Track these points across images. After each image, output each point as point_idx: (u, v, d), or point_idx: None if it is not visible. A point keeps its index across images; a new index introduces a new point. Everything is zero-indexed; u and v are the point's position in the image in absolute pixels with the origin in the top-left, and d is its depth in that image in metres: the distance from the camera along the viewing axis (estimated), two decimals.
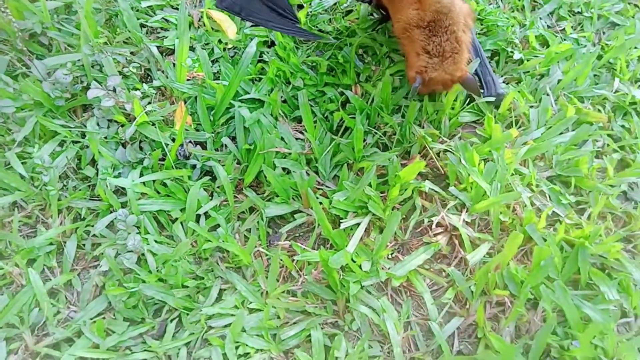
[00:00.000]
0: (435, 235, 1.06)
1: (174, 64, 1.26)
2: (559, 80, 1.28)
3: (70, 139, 1.15)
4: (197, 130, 1.18)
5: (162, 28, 1.37)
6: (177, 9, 1.41)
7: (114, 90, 1.14)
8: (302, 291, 1.00)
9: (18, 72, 1.23)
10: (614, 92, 1.29)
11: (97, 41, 1.24)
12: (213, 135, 1.17)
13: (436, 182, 1.12)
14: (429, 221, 1.07)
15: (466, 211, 1.08)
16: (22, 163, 1.11)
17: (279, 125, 1.16)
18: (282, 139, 1.14)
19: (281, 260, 1.02)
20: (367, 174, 1.05)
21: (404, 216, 1.09)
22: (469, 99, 1.23)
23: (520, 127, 1.21)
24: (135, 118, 1.12)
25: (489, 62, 1.30)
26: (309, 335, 0.95)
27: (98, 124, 1.17)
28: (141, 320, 0.98)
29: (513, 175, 1.12)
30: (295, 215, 1.09)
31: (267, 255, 1.05)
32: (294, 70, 1.26)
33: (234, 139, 1.17)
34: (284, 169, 1.10)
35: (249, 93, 1.22)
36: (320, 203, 1.06)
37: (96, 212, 1.09)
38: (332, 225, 1.04)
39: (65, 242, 1.05)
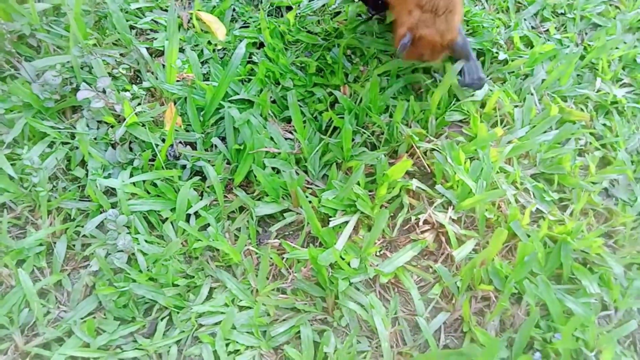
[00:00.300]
0: (422, 232, 1.08)
1: (163, 65, 1.27)
2: (543, 80, 1.31)
3: (60, 140, 1.16)
4: (187, 131, 1.19)
5: (151, 30, 1.38)
6: (166, 10, 1.42)
7: (104, 91, 1.15)
8: (292, 288, 1.02)
9: (7, 74, 1.23)
10: (596, 92, 1.32)
11: (86, 43, 1.24)
12: (203, 135, 1.18)
13: (423, 181, 1.14)
14: (416, 219, 1.09)
15: (452, 209, 1.10)
16: (12, 164, 1.11)
17: (269, 126, 1.17)
18: (271, 139, 1.15)
19: (271, 258, 1.03)
20: (355, 173, 1.07)
21: (392, 214, 1.10)
22: (455, 99, 1.25)
23: (505, 126, 1.24)
24: (125, 119, 1.13)
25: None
26: (299, 332, 0.96)
27: (88, 125, 1.17)
28: (132, 319, 0.99)
29: (498, 173, 1.14)
30: (284, 214, 1.10)
31: (257, 253, 1.06)
32: (283, 71, 1.27)
33: (223, 139, 1.18)
34: (273, 168, 1.12)
35: (238, 94, 1.23)
36: (310, 202, 1.07)
37: (86, 213, 1.09)
38: (321, 223, 1.06)
39: (55, 243, 1.06)
